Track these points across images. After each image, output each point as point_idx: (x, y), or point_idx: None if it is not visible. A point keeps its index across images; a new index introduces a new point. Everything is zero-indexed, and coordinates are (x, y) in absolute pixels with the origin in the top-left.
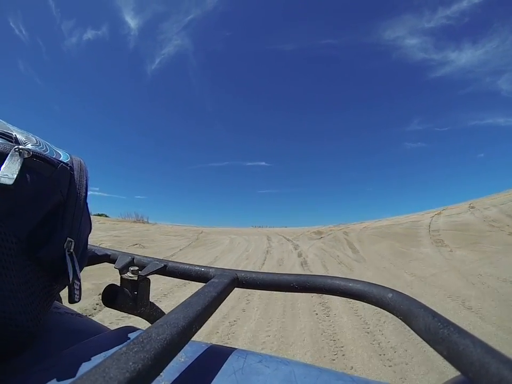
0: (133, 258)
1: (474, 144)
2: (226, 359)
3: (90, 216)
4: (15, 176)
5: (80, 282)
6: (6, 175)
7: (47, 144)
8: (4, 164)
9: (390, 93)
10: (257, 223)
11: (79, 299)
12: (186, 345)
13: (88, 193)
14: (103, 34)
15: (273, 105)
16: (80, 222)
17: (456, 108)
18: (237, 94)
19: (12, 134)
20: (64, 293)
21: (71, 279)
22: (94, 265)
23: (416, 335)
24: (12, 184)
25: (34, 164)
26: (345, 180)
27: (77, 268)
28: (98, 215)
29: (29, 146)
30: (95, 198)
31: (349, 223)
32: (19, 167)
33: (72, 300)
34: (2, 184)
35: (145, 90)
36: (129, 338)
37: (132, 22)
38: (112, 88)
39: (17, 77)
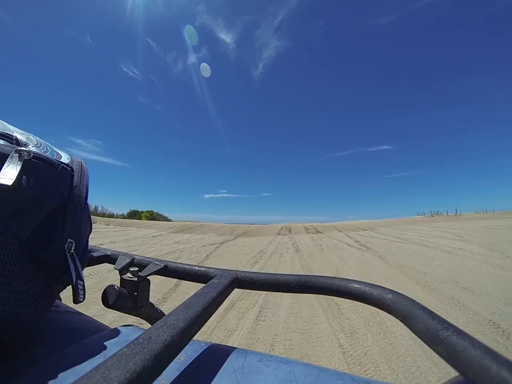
0: (133, 259)
1: None
2: (226, 358)
3: (91, 217)
4: (15, 177)
5: (83, 282)
6: (6, 176)
7: (48, 145)
8: (4, 165)
9: None
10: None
11: (84, 299)
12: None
13: (89, 194)
14: (204, 55)
15: (390, 81)
16: (81, 223)
17: None
18: (348, 78)
19: (13, 135)
20: (65, 292)
21: (74, 280)
22: None
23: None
24: (11, 185)
25: (35, 165)
26: (479, 153)
27: (79, 268)
28: None
29: (30, 147)
30: (224, 199)
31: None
32: (19, 168)
33: (76, 300)
34: (2, 184)
35: (256, 94)
36: (129, 337)
37: (226, 37)
38: (225, 99)
39: (139, 108)
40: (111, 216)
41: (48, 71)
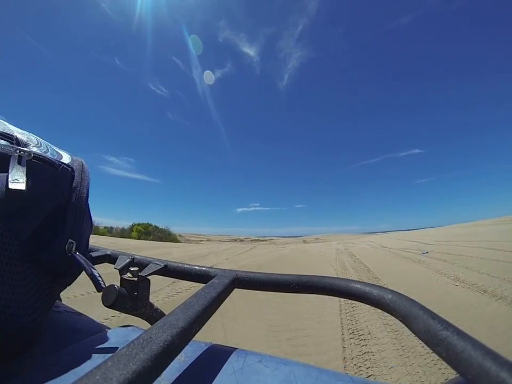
0: (133, 259)
1: None
2: (226, 359)
3: (92, 217)
4: (25, 180)
5: (97, 271)
6: (17, 179)
7: (48, 144)
8: (11, 168)
9: None
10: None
11: (105, 284)
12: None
13: (89, 194)
14: (230, 69)
15: (417, 81)
16: (82, 223)
17: None
18: (374, 81)
19: (13, 135)
20: (66, 293)
21: (89, 271)
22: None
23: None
24: (25, 189)
25: (35, 166)
26: None
27: (88, 262)
28: None
29: (31, 147)
30: (256, 213)
31: None
32: (25, 170)
33: (99, 288)
34: (16, 189)
35: (284, 106)
36: (129, 338)
37: (250, 51)
38: (256, 112)
39: (168, 124)
40: (104, 231)
41: (82, 94)
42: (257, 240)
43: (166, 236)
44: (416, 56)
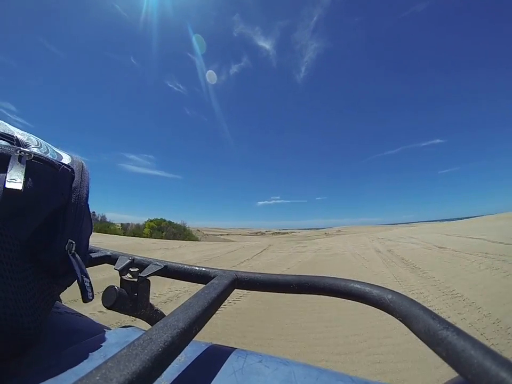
0: (133, 260)
1: None
2: (226, 359)
3: (92, 217)
4: (23, 180)
5: (90, 280)
6: (14, 179)
7: (48, 145)
8: (10, 168)
9: None
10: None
11: (92, 297)
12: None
13: (89, 194)
14: (246, 64)
15: (437, 69)
16: (82, 223)
17: None
18: (392, 70)
19: (13, 136)
20: (67, 293)
21: (80, 278)
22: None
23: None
24: (21, 189)
25: (35, 166)
26: None
27: (83, 266)
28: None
29: (31, 148)
30: (277, 205)
31: None
32: (24, 171)
33: (85, 298)
34: (13, 189)
35: (302, 98)
36: (129, 338)
37: (265, 44)
38: (273, 105)
39: (186, 120)
40: (115, 229)
41: (101, 94)
42: (278, 233)
43: (180, 232)
44: (437, 45)
